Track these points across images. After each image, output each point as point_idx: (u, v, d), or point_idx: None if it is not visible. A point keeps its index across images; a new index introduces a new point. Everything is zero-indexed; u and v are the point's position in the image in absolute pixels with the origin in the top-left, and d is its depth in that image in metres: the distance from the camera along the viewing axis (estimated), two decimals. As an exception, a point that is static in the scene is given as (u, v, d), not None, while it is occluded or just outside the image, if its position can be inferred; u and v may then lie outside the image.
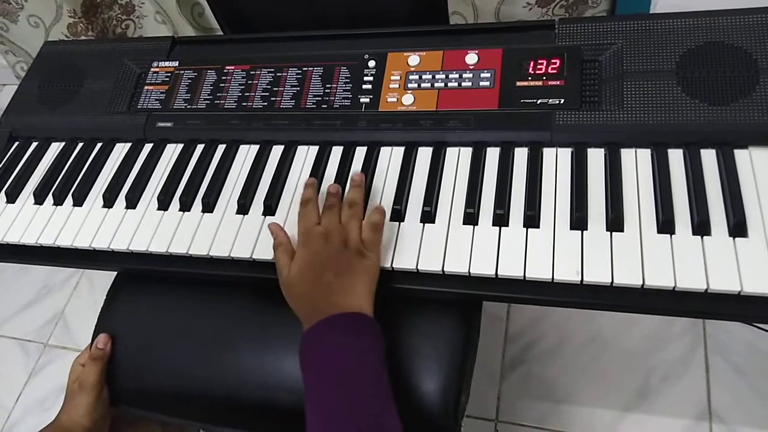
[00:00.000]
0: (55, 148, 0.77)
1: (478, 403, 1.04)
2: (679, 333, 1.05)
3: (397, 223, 0.60)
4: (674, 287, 0.51)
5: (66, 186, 0.72)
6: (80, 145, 0.76)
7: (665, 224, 0.54)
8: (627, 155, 0.59)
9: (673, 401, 0.99)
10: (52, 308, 1.36)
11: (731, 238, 0.52)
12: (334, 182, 0.64)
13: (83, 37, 1.41)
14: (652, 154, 0.59)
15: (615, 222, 0.55)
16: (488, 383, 1.06)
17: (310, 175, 0.66)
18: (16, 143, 0.79)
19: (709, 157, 0.57)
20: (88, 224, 0.68)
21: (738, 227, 0.52)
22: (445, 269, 0.56)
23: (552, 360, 1.06)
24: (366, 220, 0.59)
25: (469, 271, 0.56)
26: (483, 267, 0.55)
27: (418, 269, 0.57)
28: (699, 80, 0.60)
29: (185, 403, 0.65)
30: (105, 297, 0.73)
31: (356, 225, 0.58)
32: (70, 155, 0.75)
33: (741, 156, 0.57)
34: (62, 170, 0.74)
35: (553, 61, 0.65)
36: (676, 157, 0.58)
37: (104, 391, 0.66)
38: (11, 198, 0.73)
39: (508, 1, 1.08)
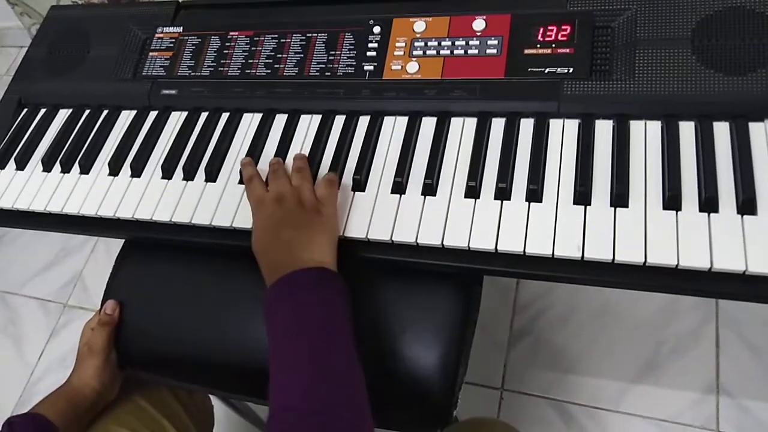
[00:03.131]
0: (62, 115, 0.77)
1: (485, 372, 1.05)
2: (690, 306, 1.03)
3: (398, 195, 0.60)
4: (677, 265, 0.50)
5: (73, 154, 0.72)
6: (87, 112, 0.76)
7: (671, 200, 0.52)
8: (636, 127, 0.58)
9: (681, 374, 0.98)
10: (70, 270, 1.40)
11: (739, 216, 0.51)
12: (335, 152, 0.64)
13: (94, 0, 1.41)
14: (662, 127, 0.57)
15: (619, 198, 0.53)
16: (495, 352, 1.06)
17: (312, 145, 0.65)
18: (25, 110, 0.79)
19: (722, 130, 0.55)
20: (95, 192, 0.69)
21: (747, 204, 0.50)
22: (444, 243, 0.56)
23: (560, 330, 1.06)
24: (320, 178, 0.60)
25: (468, 246, 0.55)
26: (483, 242, 0.55)
27: (417, 243, 0.57)
28: (715, 49, 0.57)
29: (189, 368, 0.67)
30: (113, 264, 0.74)
31: (308, 185, 0.59)
32: (77, 123, 0.76)
33: (756, 129, 0.54)
34: (69, 138, 0.74)
35: (563, 27, 0.62)
36: (687, 130, 0.56)
37: (112, 354, 0.68)
38: (21, 165, 0.74)
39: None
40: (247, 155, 0.66)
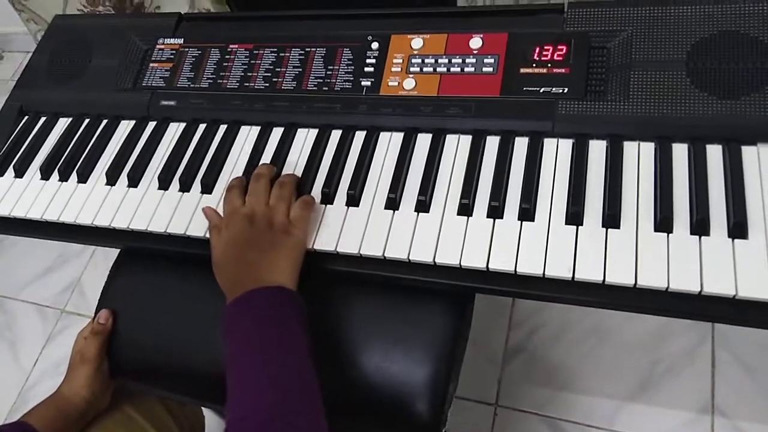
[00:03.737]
0: (62, 124, 0.78)
1: (479, 387, 1.04)
2: (686, 326, 1.03)
3: (392, 211, 0.60)
4: (667, 288, 0.50)
5: (71, 162, 0.73)
6: (87, 121, 0.77)
7: (663, 222, 0.52)
8: (630, 148, 0.58)
9: (676, 394, 0.98)
10: (69, 276, 1.40)
11: (730, 239, 0.51)
12: (331, 167, 0.64)
13: (101, 8, 1.42)
14: (655, 148, 0.57)
15: (611, 219, 0.53)
16: (490, 367, 1.06)
17: (308, 159, 0.66)
18: (26, 117, 0.80)
19: (714, 153, 0.55)
20: (91, 201, 0.69)
21: (738, 228, 0.51)
22: (436, 260, 0.56)
23: (555, 347, 1.06)
24: (299, 198, 0.61)
25: (460, 264, 0.55)
26: (474, 260, 0.55)
27: (409, 259, 0.57)
28: (710, 72, 0.57)
29: (181, 379, 0.67)
30: (108, 273, 0.74)
31: (283, 205, 0.59)
32: (77, 131, 0.76)
33: (748, 152, 0.55)
34: (68, 146, 0.75)
35: (559, 47, 0.62)
36: (680, 152, 0.56)
37: (104, 364, 0.68)
38: (19, 173, 0.74)
39: (526, -22, 1.05)
40: (244, 168, 0.67)
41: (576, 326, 1.07)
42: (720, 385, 0.97)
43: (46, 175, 0.73)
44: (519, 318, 1.10)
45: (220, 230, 0.60)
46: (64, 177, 0.72)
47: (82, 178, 0.71)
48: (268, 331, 0.51)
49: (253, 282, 0.54)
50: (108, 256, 1.41)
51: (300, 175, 0.64)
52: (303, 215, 0.59)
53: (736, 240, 0.50)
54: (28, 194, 0.72)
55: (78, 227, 0.69)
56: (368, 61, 0.68)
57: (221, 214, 0.62)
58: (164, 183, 0.68)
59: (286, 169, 0.66)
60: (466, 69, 0.64)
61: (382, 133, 0.65)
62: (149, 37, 0.79)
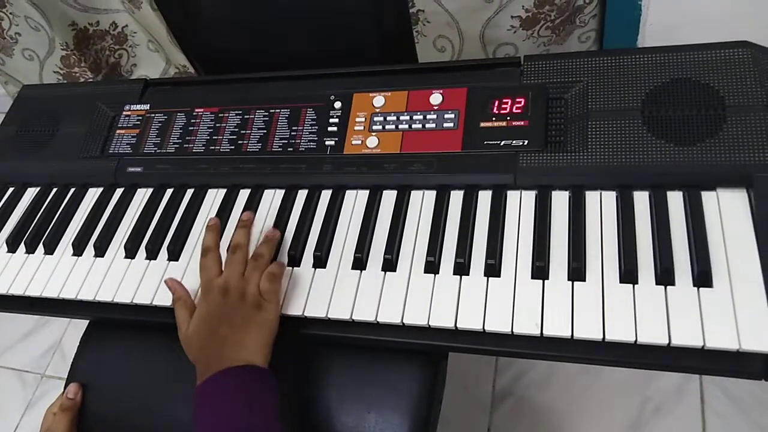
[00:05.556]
0: (30, 194, 0.78)
1: (468, 435, 1.02)
2: (672, 361, 1.02)
3: (359, 271, 0.59)
4: (635, 341, 0.49)
5: (38, 233, 0.72)
6: (54, 190, 0.77)
7: (627, 274, 0.52)
8: (592, 198, 0.58)
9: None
10: (49, 338, 1.37)
11: (695, 288, 0.50)
12: (297, 227, 0.64)
13: (76, 69, 1.43)
14: (617, 197, 0.57)
15: (576, 272, 0.53)
16: (479, 414, 1.04)
17: (275, 220, 0.65)
18: (-7, 189, 0.80)
19: (675, 200, 0.56)
20: (58, 273, 0.68)
21: (702, 276, 0.50)
22: (404, 321, 0.55)
23: (543, 390, 1.04)
24: (265, 271, 0.59)
25: (428, 324, 0.54)
26: (442, 319, 0.54)
27: (377, 321, 0.56)
28: (665, 119, 0.58)
29: (153, 454, 0.65)
30: (77, 345, 0.73)
31: (257, 277, 0.58)
32: (44, 201, 0.76)
33: (708, 198, 0.55)
34: (36, 217, 0.74)
35: (517, 100, 0.63)
36: (641, 200, 0.56)
37: (74, 441, 0.66)
38: (-15, 246, 0.73)
39: (492, 24, 1.07)
40: (210, 231, 0.66)
41: (563, 368, 1.06)
42: (711, 420, 0.96)
43: (12, 247, 0.72)
44: (505, 361, 1.08)
45: (186, 303, 0.59)
46: (30, 249, 0.71)
47: (49, 250, 0.71)
48: (236, 416, 0.50)
49: (223, 361, 0.53)
50: (89, 316, 1.39)
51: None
52: (272, 288, 0.58)
53: (701, 289, 0.50)
54: (-6, 269, 0.71)
55: (45, 300, 0.68)
56: (331, 120, 0.69)
57: (184, 285, 0.61)
58: (131, 252, 0.67)
59: (254, 232, 0.65)
60: (427, 125, 0.65)
61: (347, 192, 0.65)
62: (116, 103, 0.79)
